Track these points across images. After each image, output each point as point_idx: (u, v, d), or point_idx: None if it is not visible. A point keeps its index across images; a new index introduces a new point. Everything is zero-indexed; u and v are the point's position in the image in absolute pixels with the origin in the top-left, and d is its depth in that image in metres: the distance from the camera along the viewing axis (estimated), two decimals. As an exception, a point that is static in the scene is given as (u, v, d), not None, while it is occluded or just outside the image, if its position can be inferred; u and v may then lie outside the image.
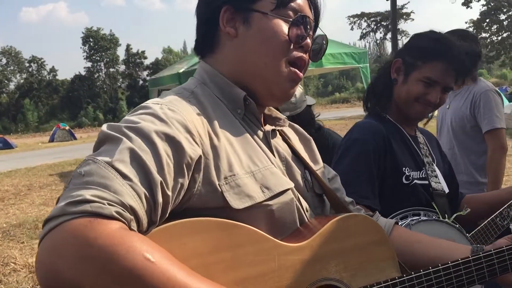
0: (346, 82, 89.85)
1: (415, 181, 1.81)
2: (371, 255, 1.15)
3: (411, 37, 1.99)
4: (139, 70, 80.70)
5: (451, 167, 2.10)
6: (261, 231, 0.98)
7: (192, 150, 0.96)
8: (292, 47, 1.15)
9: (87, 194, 0.80)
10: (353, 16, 67.71)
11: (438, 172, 1.92)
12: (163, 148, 0.91)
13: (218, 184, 0.99)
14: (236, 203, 1.00)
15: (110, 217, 0.79)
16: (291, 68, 1.17)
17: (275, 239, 1.00)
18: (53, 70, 79.56)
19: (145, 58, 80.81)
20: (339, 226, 1.10)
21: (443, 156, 2.11)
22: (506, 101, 15.08)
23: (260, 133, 1.19)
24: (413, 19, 61.55)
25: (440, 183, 1.88)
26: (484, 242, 1.88)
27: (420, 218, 1.71)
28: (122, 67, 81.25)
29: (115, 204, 0.80)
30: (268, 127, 1.24)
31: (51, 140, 33.98)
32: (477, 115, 3.39)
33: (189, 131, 0.98)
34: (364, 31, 70.06)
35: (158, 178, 0.87)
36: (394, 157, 1.80)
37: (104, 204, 0.79)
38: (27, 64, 79.22)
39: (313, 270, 1.03)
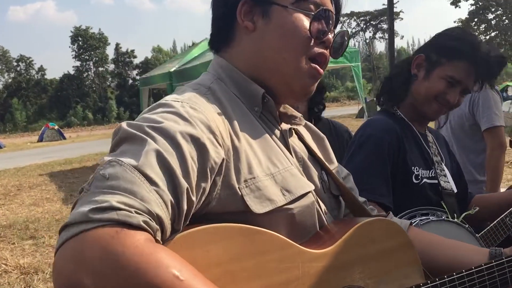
0: (336, 81, 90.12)
1: (425, 180, 1.77)
2: (395, 260, 1.10)
3: (437, 34, 1.92)
4: (129, 69, 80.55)
5: (459, 167, 2.07)
6: (283, 237, 0.93)
7: (216, 153, 0.90)
8: (312, 42, 1.09)
9: (113, 200, 0.74)
10: (343, 15, 67.52)
11: (446, 171, 1.88)
12: (188, 150, 0.85)
13: (238, 188, 0.94)
14: (257, 207, 0.94)
15: (137, 227, 0.73)
16: (312, 64, 1.11)
17: (298, 245, 0.95)
18: (41, 69, 79.28)
19: (135, 57, 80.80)
20: (363, 231, 1.06)
21: (451, 155, 2.07)
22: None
23: (277, 132, 1.14)
24: (402, 19, 61.92)
25: (449, 183, 1.84)
26: (494, 242, 1.86)
27: (429, 217, 1.67)
28: (111, 66, 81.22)
29: (142, 213, 0.75)
30: (285, 126, 1.18)
31: (40, 139, 33.67)
32: (476, 113, 3.37)
33: (212, 132, 0.92)
34: (353, 30, 70.43)
35: (184, 184, 0.82)
36: (405, 155, 1.76)
37: (131, 212, 0.73)
38: (15, 63, 78.86)
39: (338, 278, 0.99)
